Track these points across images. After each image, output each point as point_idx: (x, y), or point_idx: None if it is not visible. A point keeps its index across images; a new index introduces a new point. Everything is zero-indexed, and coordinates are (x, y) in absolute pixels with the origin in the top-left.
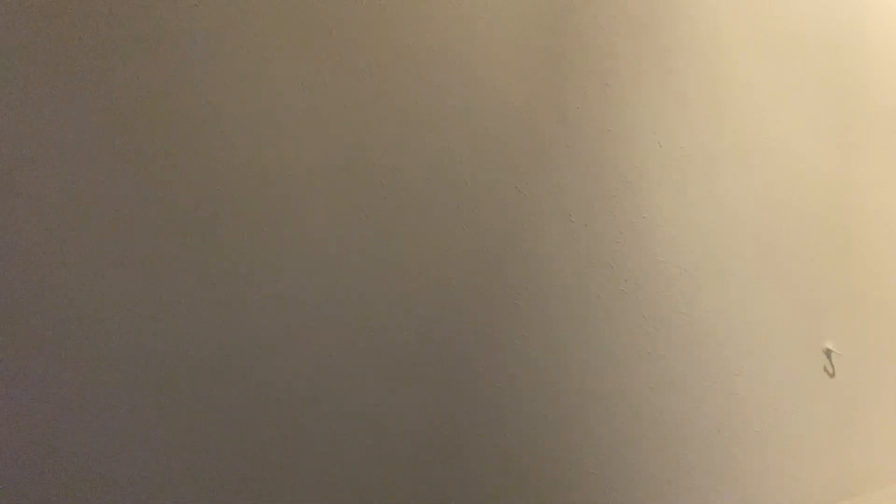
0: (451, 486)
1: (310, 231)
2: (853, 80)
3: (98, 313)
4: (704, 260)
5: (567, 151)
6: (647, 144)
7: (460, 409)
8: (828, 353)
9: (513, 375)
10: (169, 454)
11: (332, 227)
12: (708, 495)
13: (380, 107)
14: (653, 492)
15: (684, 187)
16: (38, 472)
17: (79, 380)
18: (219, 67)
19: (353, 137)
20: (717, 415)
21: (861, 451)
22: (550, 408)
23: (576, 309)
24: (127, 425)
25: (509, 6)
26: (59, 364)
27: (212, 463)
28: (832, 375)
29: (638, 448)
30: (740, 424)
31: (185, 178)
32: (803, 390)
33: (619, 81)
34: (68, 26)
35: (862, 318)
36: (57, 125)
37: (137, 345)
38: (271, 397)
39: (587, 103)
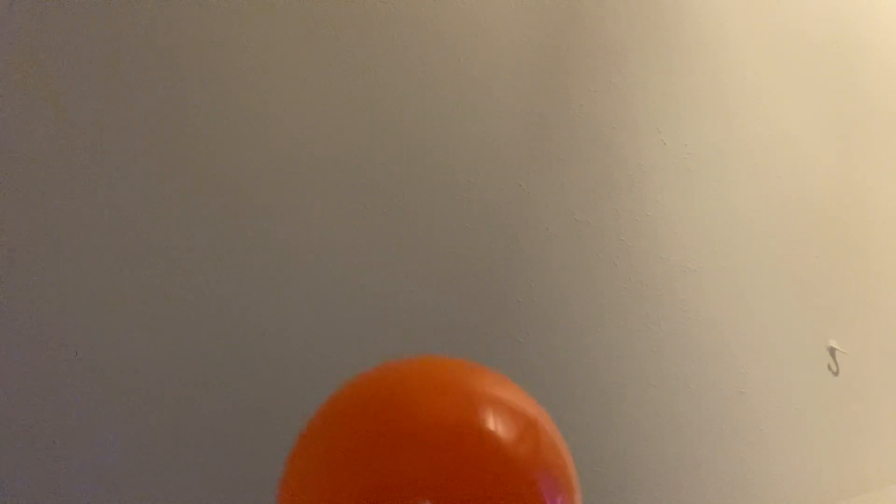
0: None
1: (309, 230)
2: (860, 78)
3: (92, 314)
4: (709, 258)
5: (571, 149)
6: (651, 142)
7: None
8: (832, 351)
9: (514, 373)
10: (165, 459)
11: (333, 225)
12: (710, 493)
13: (381, 105)
14: (653, 490)
15: (689, 185)
16: (35, 474)
17: (75, 382)
18: (218, 66)
19: (353, 135)
20: (720, 413)
21: (865, 449)
22: (552, 406)
23: (579, 307)
24: (124, 428)
25: (513, 4)
26: (54, 366)
27: (208, 465)
28: (836, 374)
29: (639, 446)
30: (743, 422)
31: (183, 178)
32: (807, 388)
33: (623, 79)
34: (64, 24)
35: (866, 317)
36: (52, 125)
37: (132, 348)
38: (271, 401)
39: (591, 101)
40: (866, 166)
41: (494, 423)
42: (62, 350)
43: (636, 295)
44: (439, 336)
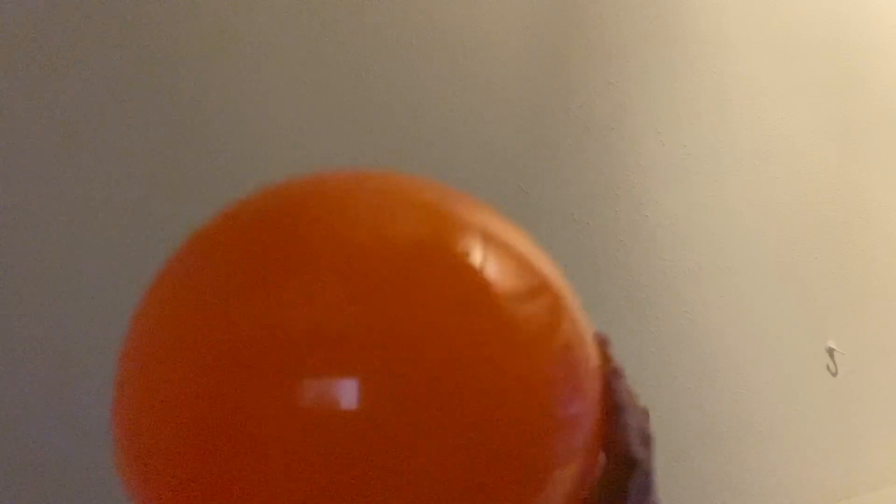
0: None
1: None
2: (859, 78)
3: (92, 315)
4: (708, 258)
5: (570, 150)
6: (650, 143)
7: None
8: (830, 351)
9: None
10: None
11: None
12: (709, 493)
13: (381, 106)
14: None
15: (688, 186)
16: (29, 476)
17: (71, 378)
18: (217, 66)
19: (353, 137)
20: (719, 414)
21: (863, 450)
22: None
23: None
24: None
25: (513, 4)
26: (52, 362)
27: None
28: (835, 374)
29: None
30: (742, 423)
31: (182, 179)
32: (806, 389)
33: (622, 80)
34: (63, 24)
35: (865, 317)
36: (53, 124)
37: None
38: None
39: (590, 101)
40: (866, 166)
41: (485, 260)
42: (60, 349)
43: (636, 295)
44: None
